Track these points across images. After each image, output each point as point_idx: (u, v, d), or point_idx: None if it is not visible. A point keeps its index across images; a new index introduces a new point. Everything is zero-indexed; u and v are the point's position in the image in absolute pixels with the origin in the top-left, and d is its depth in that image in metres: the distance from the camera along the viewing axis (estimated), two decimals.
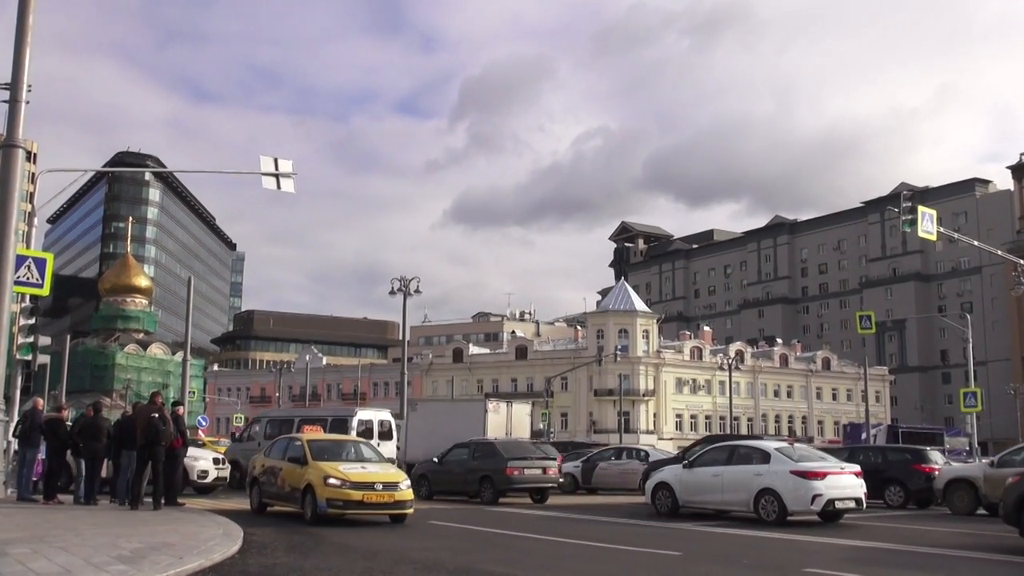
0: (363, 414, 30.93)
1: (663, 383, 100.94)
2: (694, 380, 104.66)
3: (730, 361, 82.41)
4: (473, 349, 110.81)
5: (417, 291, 47.02)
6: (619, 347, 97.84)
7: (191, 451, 23.18)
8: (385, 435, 29.85)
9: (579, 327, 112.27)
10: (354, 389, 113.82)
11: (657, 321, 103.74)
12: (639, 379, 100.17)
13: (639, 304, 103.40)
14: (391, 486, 17.26)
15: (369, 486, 17.08)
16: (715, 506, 21.04)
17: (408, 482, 17.75)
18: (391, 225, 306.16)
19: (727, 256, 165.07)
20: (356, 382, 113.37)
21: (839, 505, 19.79)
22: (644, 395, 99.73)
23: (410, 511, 17.49)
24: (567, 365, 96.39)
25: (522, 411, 35.99)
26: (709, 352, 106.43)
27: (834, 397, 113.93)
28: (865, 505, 20.57)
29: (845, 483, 19.88)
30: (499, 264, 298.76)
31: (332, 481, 17.02)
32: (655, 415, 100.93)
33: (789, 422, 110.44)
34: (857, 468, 20.67)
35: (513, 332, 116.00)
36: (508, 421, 34.94)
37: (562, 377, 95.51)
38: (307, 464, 17.74)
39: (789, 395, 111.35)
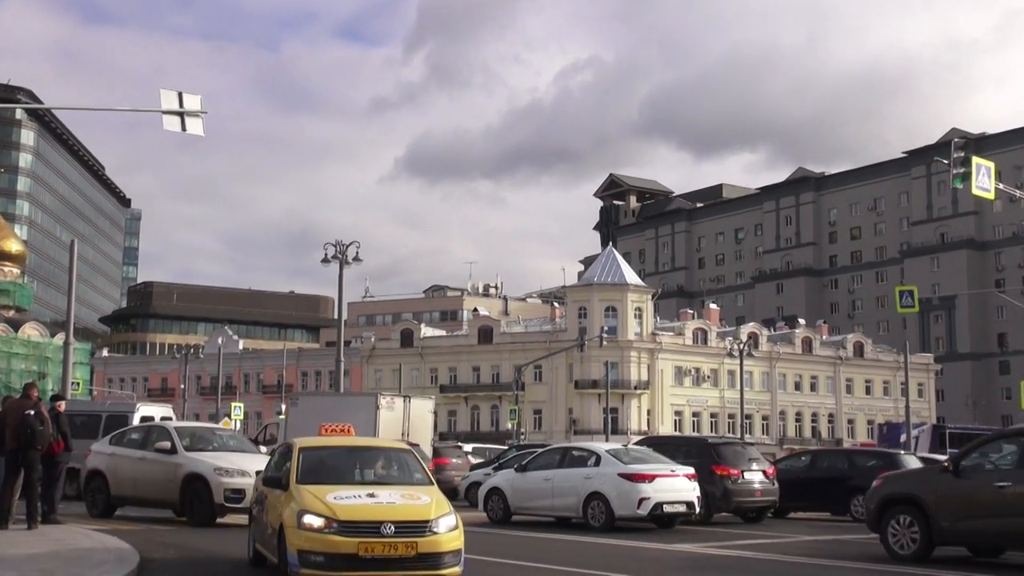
0: (146, 410, 31.24)
1: (659, 373, 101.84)
2: (697, 370, 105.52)
3: (741, 346, 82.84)
4: (426, 331, 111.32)
5: (356, 259, 46.97)
6: (605, 329, 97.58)
7: (217, 456, 22.08)
8: None
9: (556, 304, 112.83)
10: (278, 380, 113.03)
11: (652, 297, 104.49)
12: (630, 368, 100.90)
13: (630, 276, 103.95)
14: (413, 528, 12.58)
15: (371, 529, 12.44)
16: (546, 512, 24.08)
17: (452, 520, 12.89)
18: (329, 178, 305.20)
19: (739, 217, 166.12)
20: (281, 371, 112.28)
21: (668, 509, 22.92)
22: (636, 388, 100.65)
23: (453, 571, 12.73)
24: (541, 351, 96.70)
25: (423, 408, 36.31)
26: (716, 335, 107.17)
27: (868, 391, 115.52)
28: (698, 510, 23.53)
29: (675, 486, 23.02)
30: (462, 227, 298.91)
31: (309, 520, 12.54)
32: (649, 412, 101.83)
33: (812, 421, 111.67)
34: (691, 471, 23.69)
35: (475, 310, 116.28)
36: (405, 420, 35.27)
37: (535, 366, 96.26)
38: (288, 489, 13.45)
39: (813, 388, 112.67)
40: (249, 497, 17.97)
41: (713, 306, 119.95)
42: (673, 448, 26.71)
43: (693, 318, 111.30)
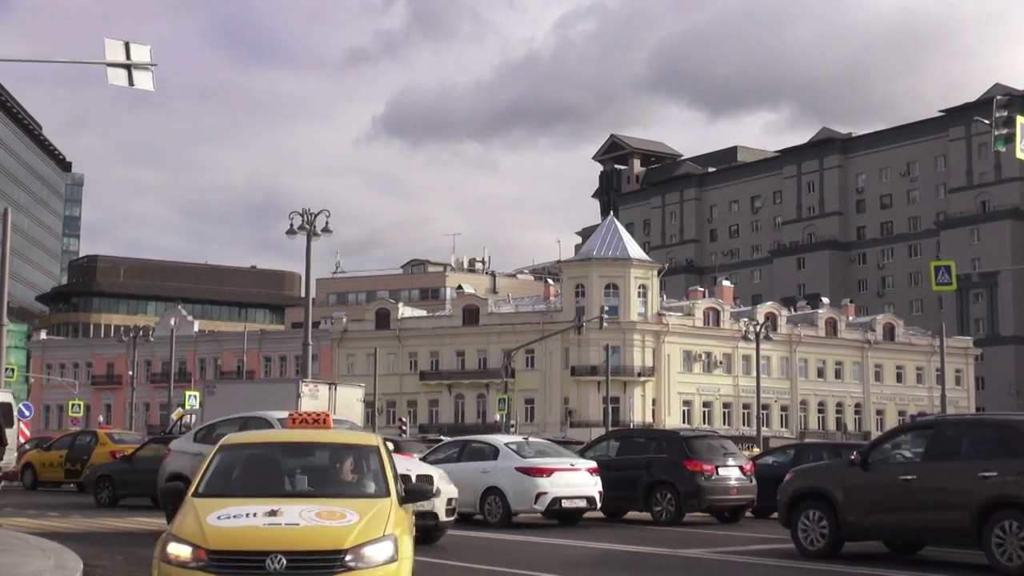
0: None
1: (666, 358, 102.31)
2: (708, 354, 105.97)
3: (758, 329, 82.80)
4: (404, 311, 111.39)
5: (326, 230, 46.82)
6: (606, 309, 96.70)
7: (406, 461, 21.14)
8: None
9: (551, 281, 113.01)
10: (238, 366, 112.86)
11: (658, 273, 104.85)
12: (633, 352, 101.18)
13: (634, 249, 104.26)
14: (316, 562, 10.07)
15: (253, 562, 10.01)
16: None
17: (388, 549, 10.29)
18: (298, 139, 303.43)
19: (756, 183, 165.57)
20: (241, 356, 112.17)
21: (567, 504, 24.35)
22: (640, 375, 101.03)
23: None
24: (534, 333, 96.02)
25: (350, 396, 36.44)
26: (729, 316, 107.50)
27: (899, 378, 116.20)
28: (599, 504, 24.78)
29: (575, 481, 24.41)
30: (447, 194, 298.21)
31: (174, 550, 10.25)
32: (655, 401, 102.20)
33: (837, 411, 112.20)
34: (592, 465, 25.05)
35: (459, 288, 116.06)
36: (331, 410, 35.41)
37: (527, 350, 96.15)
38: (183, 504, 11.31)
39: (838, 375, 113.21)
40: None
41: (726, 283, 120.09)
42: (641, 442, 28.22)
43: (704, 297, 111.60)
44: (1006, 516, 15.68)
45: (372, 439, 12.37)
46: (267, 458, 12.11)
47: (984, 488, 15.83)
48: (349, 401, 36.51)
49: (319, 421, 12.46)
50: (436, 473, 19.73)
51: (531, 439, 27.15)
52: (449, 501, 20.04)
